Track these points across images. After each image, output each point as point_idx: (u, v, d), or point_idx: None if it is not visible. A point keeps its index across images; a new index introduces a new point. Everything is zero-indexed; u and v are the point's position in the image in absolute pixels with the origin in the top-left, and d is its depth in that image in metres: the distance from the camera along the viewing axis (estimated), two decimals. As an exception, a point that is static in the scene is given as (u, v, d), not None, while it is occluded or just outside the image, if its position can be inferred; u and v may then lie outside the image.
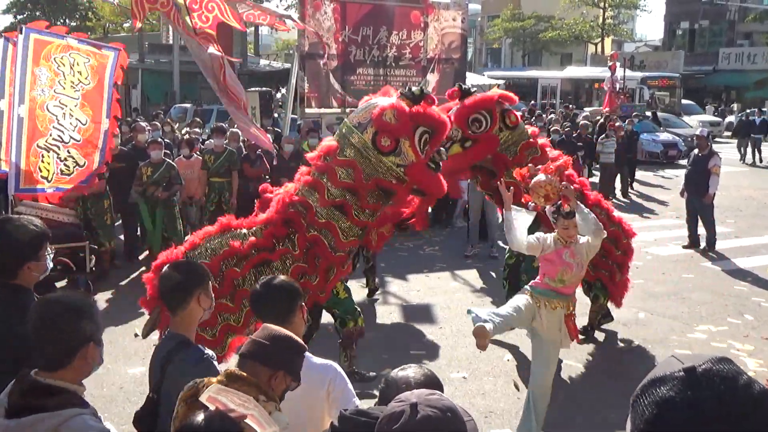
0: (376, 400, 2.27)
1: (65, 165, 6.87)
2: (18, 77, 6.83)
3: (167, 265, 3.12)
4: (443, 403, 1.69)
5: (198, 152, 10.34)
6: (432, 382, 2.20)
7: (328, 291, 5.27)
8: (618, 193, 15.24)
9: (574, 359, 6.46)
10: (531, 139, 6.48)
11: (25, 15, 46.25)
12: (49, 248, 3.00)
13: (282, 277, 3.24)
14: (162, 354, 2.84)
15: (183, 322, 2.90)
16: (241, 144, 10.87)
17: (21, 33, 7.02)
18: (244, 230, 5.11)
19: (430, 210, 12.35)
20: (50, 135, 6.96)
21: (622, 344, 6.90)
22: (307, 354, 3.01)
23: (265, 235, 5.03)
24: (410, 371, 2.25)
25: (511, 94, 6.65)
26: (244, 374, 2.30)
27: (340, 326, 5.69)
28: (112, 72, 7.24)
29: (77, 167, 6.93)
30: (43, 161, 6.95)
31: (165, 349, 2.85)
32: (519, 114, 6.70)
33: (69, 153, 6.97)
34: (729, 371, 1.16)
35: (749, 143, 22.26)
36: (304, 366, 2.90)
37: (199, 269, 3.10)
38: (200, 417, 2.12)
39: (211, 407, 2.17)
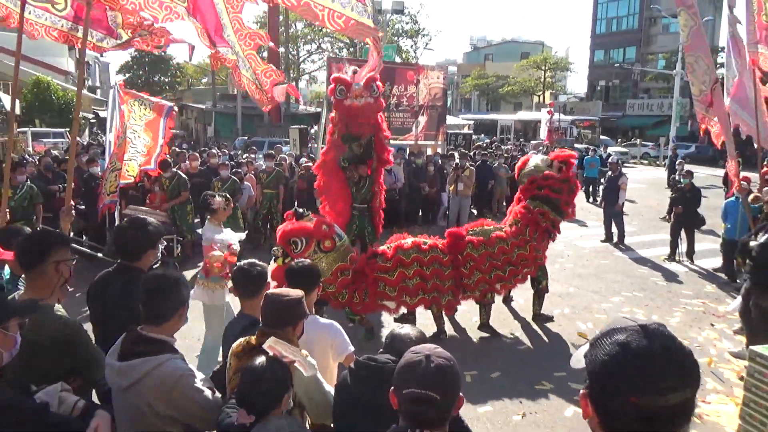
0: (381, 349, 2.25)
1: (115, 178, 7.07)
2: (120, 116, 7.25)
3: (239, 265, 2.89)
4: (447, 354, 1.67)
5: (252, 171, 10.31)
6: (425, 338, 2.19)
7: None
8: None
9: (527, 327, 6.42)
10: (347, 262, 5.19)
11: (131, 73, 45.57)
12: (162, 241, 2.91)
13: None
14: (237, 329, 2.67)
15: (254, 306, 2.73)
16: (292, 162, 10.86)
17: (113, 88, 7.60)
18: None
19: (420, 211, 12.30)
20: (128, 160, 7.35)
21: (556, 312, 6.84)
22: (315, 316, 2.92)
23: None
24: (408, 329, 2.24)
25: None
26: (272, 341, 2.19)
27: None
28: (165, 120, 7.47)
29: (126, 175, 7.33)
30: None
31: (240, 326, 2.69)
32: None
33: (128, 166, 7.26)
34: (669, 332, 1.17)
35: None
36: (314, 326, 2.78)
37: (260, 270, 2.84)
38: (260, 359, 2.08)
39: (270, 353, 2.12)
